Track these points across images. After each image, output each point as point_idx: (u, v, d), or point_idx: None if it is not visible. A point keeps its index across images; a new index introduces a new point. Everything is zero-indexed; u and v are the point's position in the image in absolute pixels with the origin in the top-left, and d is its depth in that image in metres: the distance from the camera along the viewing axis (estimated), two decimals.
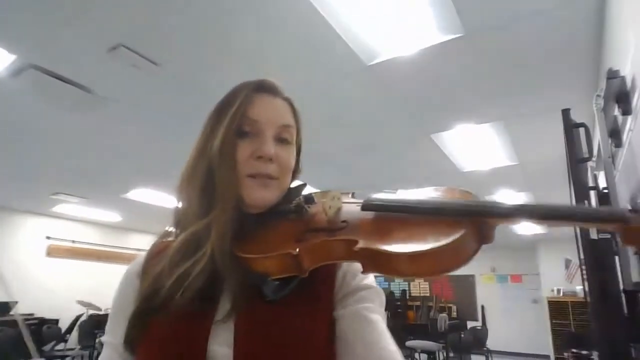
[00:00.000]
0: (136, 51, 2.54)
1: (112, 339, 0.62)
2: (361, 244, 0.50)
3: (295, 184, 0.71)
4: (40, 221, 7.63)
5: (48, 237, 7.70)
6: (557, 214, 0.44)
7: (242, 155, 0.63)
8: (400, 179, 5.17)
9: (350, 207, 0.60)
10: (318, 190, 0.69)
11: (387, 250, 0.48)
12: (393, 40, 2.49)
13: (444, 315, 7.96)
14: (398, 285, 11.76)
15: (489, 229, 0.49)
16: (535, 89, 2.99)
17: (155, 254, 0.67)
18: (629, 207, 0.44)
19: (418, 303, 11.26)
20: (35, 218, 7.59)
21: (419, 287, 11.57)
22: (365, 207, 0.56)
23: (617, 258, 1.64)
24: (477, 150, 4.27)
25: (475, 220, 0.48)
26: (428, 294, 11.36)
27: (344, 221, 0.57)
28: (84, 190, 6.09)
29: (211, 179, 0.63)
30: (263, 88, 0.70)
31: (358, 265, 0.52)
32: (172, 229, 0.69)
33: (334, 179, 5.09)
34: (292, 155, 0.69)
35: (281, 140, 0.67)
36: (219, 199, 0.62)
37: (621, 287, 1.60)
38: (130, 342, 0.58)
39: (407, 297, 11.51)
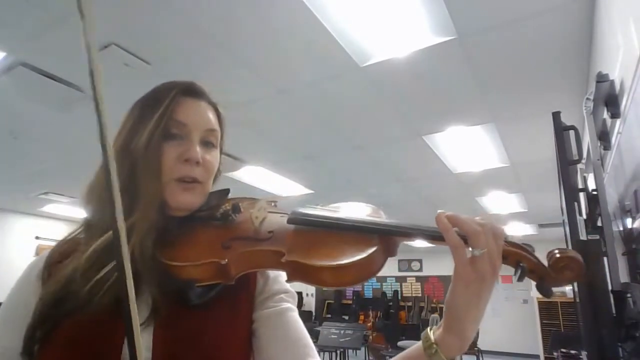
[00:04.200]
0: (128, 50, 2.53)
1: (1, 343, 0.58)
2: (288, 256, 0.54)
3: (217, 188, 0.73)
4: (29, 221, 7.54)
5: (37, 237, 7.60)
6: (436, 234, 0.50)
7: (168, 158, 0.63)
8: (391, 180, 5.18)
9: (276, 218, 0.63)
10: (242, 197, 0.72)
11: (312, 264, 0.52)
12: (386, 42, 2.50)
13: (436, 315, 8.01)
14: (390, 285, 11.79)
15: (395, 245, 0.56)
16: (526, 92, 3.02)
17: (59, 254, 0.64)
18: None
19: (410, 303, 11.30)
20: (25, 218, 7.49)
21: (411, 287, 11.62)
22: (291, 220, 0.59)
23: (605, 259, 1.66)
24: (468, 152, 4.30)
25: (384, 238, 0.55)
26: (420, 295, 11.41)
27: (270, 231, 0.59)
28: (74, 190, 6.02)
29: (133, 179, 0.61)
30: (191, 91, 0.70)
31: (281, 273, 0.56)
32: (79, 230, 0.66)
33: (325, 179, 5.09)
34: (216, 158, 0.70)
35: (206, 144, 0.67)
36: (141, 201, 0.60)
37: (609, 287, 1.62)
38: (30, 347, 0.55)
39: (399, 298, 11.55)
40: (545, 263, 0.51)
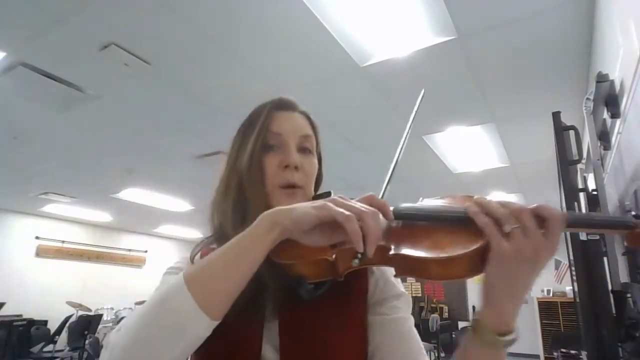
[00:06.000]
0: (128, 50, 2.52)
1: None
2: (394, 250, 0.54)
3: (320, 191, 0.78)
4: (29, 221, 7.52)
5: (37, 237, 7.59)
6: (574, 221, 0.50)
7: (269, 166, 0.69)
8: (391, 181, 5.18)
9: None
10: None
11: (419, 256, 0.52)
12: (386, 42, 2.50)
13: (436, 315, 8.00)
14: None
15: None
16: (526, 92, 3.02)
17: (206, 253, 0.70)
18: (634, 214, 0.52)
19: None
20: (25, 218, 7.48)
21: (411, 287, 11.61)
22: (397, 215, 0.59)
23: (605, 259, 1.66)
24: (468, 152, 4.30)
25: None
26: (420, 295, 11.40)
27: None
28: (74, 190, 6.02)
29: (243, 192, 0.68)
30: (282, 105, 0.75)
31: (389, 271, 0.57)
32: (212, 238, 0.73)
33: (324, 179, 5.09)
34: (314, 163, 0.75)
35: (303, 150, 0.73)
36: (251, 210, 0.65)
37: (609, 287, 1.62)
38: None
39: None
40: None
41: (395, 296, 0.70)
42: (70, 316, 6.78)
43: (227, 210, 0.69)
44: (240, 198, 0.68)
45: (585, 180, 2.50)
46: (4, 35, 2.44)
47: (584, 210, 1.83)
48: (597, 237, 1.63)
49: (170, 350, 0.48)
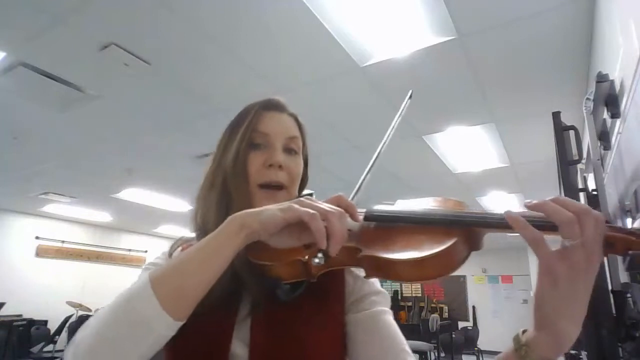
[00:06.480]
0: (128, 50, 2.52)
1: None
2: (364, 252, 0.54)
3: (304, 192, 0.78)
4: (29, 221, 7.52)
5: (37, 237, 7.59)
6: (539, 222, 0.46)
7: (253, 164, 0.69)
8: (391, 181, 5.18)
9: None
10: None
11: (388, 258, 0.52)
12: (386, 42, 2.50)
13: (436, 315, 7.99)
14: (390, 285, 11.78)
15: (478, 237, 0.54)
16: (526, 92, 3.02)
17: (186, 248, 0.70)
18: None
19: (410, 303, 11.31)
20: (25, 218, 7.48)
21: (411, 287, 11.61)
22: (368, 217, 0.60)
23: (605, 259, 1.66)
24: (468, 152, 4.30)
25: (464, 230, 0.53)
26: (420, 295, 11.41)
27: (348, 230, 0.60)
28: (74, 190, 6.02)
29: (227, 190, 0.69)
30: (271, 106, 0.75)
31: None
32: (193, 234, 0.73)
33: (324, 179, 5.09)
34: (299, 164, 0.75)
35: (289, 151, 0.73)
36: (234, 208, 0.64)
37: (609, 287, 1.62)
38: None
39: (399, 298, 11.55)
40: None
41: (374, 292, 0.70)
42: (70, 316, 6.78)
43: (210, 207, 0.69)
44: (224, 195, 0.69)
45: (585, 180, 2.49)
46: (4, 35, 2.44)
47: None
48: None
49: (134, 348, 0.48)
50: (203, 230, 0.69)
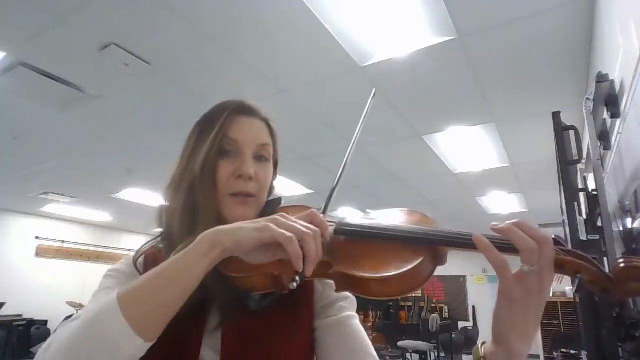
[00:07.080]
0: (128, 50, 2.52)
1: None
2: (335, 267, 0.56)
3: (272, 197, 0.77)
4: (29, 221, 7.53)
5: (37, 237, 7.60)
6: (504, 245, 0.48)
7: (223, 173, 0.68)
8: (391, 180, 5.18)
9: None
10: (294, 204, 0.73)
11: (359, 275, 0.54)
12: (386, 42, 2.50)
13: (436, 315, 7.99)
14: None
15: (443, 254, 0.57)
16: (526, 92, 3.02)
17: (150, 256, 0.70)
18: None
19: (410, 303, 11.30)
20: (25, 218, 7.48)
21: None
22: (338, 231, 0.61)
23: (605, 259, 1.66)
24: (468, 152, 4.30)
25: (431, 248, 0.55)
26: (420, 295, 11.40)
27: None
28: (74, 190, 6.02)
29: (193, 195, 0.67)
30: (243, 110, 0.74)
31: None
32: (159, 239, 0.72)
33: (325, 179, 5.09)
34: (269, 172, 0.74)
35: (259, 158, 0.72)
36: (201, 214, 0.66)
37: None
38: None
39: (399, 298, 11.56)
40: (608, 273, 0.48)
41: (342, 298, 0.72)
42: (70, 316, 6.76)
43: (176, 211, 0.68)
44: (190, 200, 0.67)
45: (585, 180, 2.49)
46: (4, 35, 2.44)
47: (584, 211, 1.83)
48: (597, 237, 1.63)
49: None
50: (168, 233, 0.69)
